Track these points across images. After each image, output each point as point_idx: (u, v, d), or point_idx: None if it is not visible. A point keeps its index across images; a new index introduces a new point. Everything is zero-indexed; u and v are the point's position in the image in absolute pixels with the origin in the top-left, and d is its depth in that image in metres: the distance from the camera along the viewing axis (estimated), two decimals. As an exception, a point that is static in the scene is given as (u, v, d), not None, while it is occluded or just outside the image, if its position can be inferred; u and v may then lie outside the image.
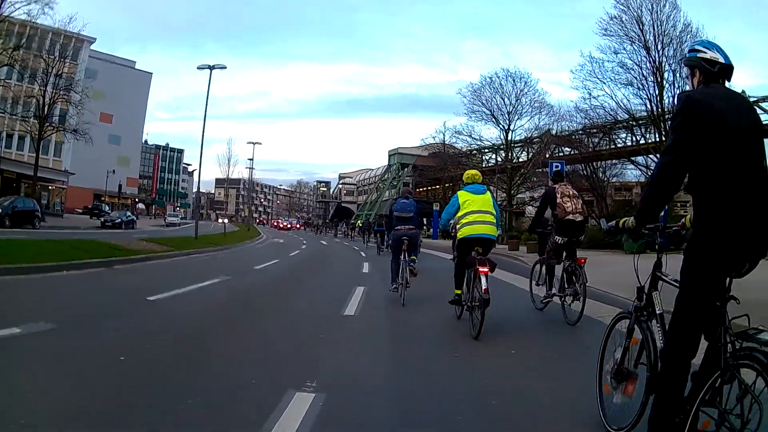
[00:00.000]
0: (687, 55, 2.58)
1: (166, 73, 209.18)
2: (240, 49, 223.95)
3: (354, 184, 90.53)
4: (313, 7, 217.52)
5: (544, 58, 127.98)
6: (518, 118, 40.90)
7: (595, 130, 36.10)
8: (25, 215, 23.50)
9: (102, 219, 34.85)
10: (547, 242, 6.94)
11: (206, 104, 28.18)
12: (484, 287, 5.13)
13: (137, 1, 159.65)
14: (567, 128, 37.61)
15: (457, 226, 5.95)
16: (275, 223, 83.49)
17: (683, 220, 2.72)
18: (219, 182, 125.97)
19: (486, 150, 48.29)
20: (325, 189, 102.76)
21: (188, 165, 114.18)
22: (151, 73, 67.94)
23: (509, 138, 41.61)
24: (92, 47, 64.30)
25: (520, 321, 6.51)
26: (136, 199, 75.40)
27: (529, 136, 41.19)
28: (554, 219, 6.68)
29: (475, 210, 5.86)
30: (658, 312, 2.62)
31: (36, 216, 24.28)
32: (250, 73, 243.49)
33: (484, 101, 41.17)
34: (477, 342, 5.06)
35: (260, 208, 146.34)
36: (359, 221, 40.07)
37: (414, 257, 7.99)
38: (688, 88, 2.65)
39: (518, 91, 40.82)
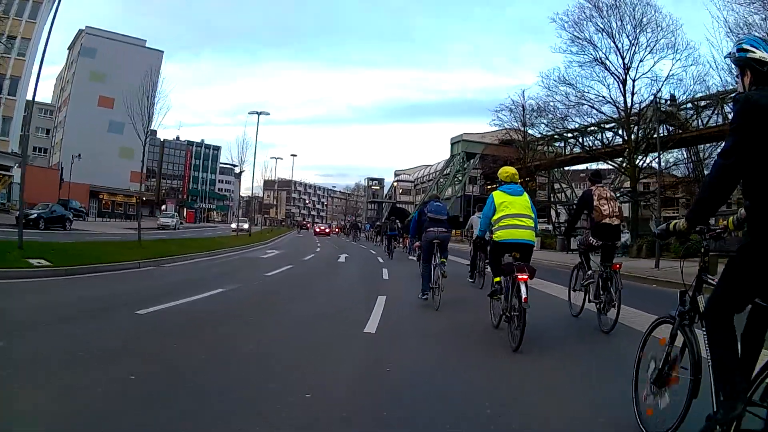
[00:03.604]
0: (736, 54, 2.75)
1: (223, 79, 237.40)
2: (297, 55, 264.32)
3: (411, 182, 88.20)
4: (370, 14, 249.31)
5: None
6: (641, 62, 31.85)
7: (707, 102, 30.69)
8: None
9: (18, 214, 28.42)
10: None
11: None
12: (524, 296, 5.43)
13: (191, 9, 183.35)
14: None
15: (492, 228, 6.36)
16: (316, 228, 79.68)
17: (725, 222, 3.02)
18: (268, 184, 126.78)
19: (571, 135, 42.30)
20: (377, 188, 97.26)
21: (234, 166, 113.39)
22: (162, 51, 65.49)
23: (628, 92, 32.42)
24: (96, 25, 61.72)
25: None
26: (143, 198, 71.78)
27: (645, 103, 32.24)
28: (590, 222, 7.25)
29: (513, 213, 6.21)
30: None
31: None
32: (309, 80, 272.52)
33: (587, 38, 33.11)
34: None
35: (313, 212, 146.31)
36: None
37: (444, 259, 8.90)
38: (738, 88, 2.85)
39: (635, 23, 31.25)
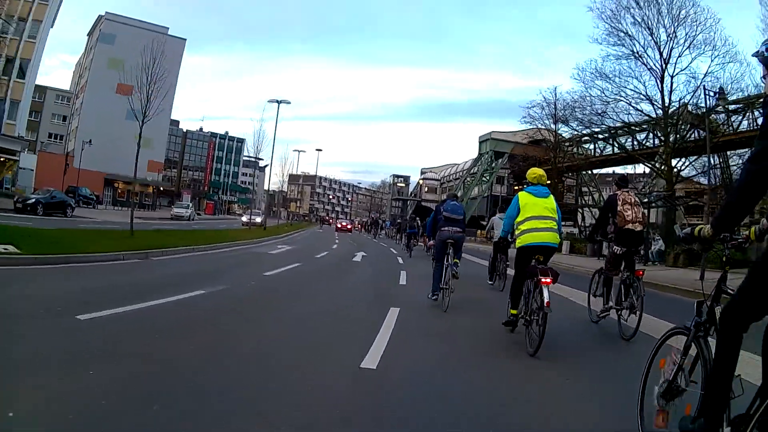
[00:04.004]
0: (765, 53, 2.64)
1: (250, 73, 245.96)
2: (325, 51, 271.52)
3: (437, 180, 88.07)
4: (400, 12, 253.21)
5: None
6: (679, 57, 31.74)
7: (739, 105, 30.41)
8: None
9: (16, 199, 29.96)
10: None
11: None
12: (546, 300, 5.45)
13: (221, 2, 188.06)
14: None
15: (516, 233, 6.48)
16: (338, 224, 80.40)
17: (748, 232, 2.92)
18: (292, 179, 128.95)
19: (603, 135, 41.92)
20: (402, 185, 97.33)
21: (260, 159, 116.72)
22: (185, 40, 64.97)
23: (667, 88, 32.12)
24: (114, 11, 62.49)
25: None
26: (160, 188, 72.88)
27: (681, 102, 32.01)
28: (613, 228, 7.31)
29: (535, 215, 6.31)
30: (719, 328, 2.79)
31: None
32: (336, 76, 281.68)
33: (624, 30, 33.00)
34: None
35: (337, 208, 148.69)
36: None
37: (457, 260, 8.91)
38: (765, 89, 2.81)
39: (673, 16, 31.21)
